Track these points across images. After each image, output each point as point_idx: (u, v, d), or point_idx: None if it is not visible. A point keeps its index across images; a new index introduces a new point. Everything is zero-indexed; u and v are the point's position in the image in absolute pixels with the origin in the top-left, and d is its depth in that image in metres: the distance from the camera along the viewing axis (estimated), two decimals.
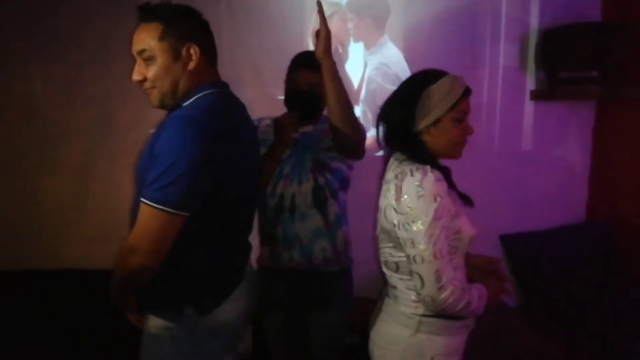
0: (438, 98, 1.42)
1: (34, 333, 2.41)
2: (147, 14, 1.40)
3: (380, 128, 1.52)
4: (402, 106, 1.45)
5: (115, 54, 2.67)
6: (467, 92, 1.45)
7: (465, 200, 1.48)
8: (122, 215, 2.65)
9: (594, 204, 3.16)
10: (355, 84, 2.89)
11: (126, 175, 2.70)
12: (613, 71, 2.85)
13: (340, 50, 2.86)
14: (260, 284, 1.73)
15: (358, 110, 2.83)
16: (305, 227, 1.94)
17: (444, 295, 1.32)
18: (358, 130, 1.84)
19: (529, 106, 3.05)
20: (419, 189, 1.33)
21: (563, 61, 2.87)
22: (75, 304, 2.44)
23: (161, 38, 1.38)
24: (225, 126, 1.40)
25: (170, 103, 1.44)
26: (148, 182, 1.29)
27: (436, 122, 1.43)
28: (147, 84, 1.43)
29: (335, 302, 2.03)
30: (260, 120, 2.01)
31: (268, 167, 1.89)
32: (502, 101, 3.02)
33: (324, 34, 1.70)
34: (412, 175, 1.36)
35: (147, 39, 1.39)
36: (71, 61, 2.68)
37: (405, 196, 1.35)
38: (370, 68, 2.86)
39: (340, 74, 1.78)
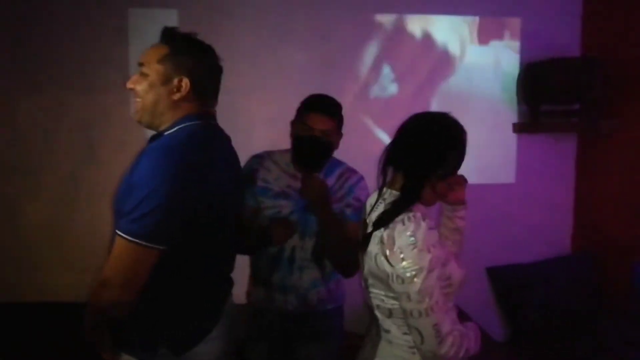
0: (459, 154, 1.41)
1: None
2: (163, 36, 1.46)
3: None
4: (443, 151, 1.38)
5: (98, 82, 2.71)
6: None
7: None
8: (102, 245, 2.60)
9: (579, 236, 3.17)
10: None
11: (107, 204, 2.68)
12: (593, 104, 2.89)
13: None
14: (245, 319, 1.69)
15: None
16: (303, 278, 1.91)
17: (444, 349, 1.29)
18: (352, 265, 1.71)
19: (512, 139, 3.08)
20: (412, 240, 1.29)
21: (544, 95, 2.91)
22: (51, 339, 2.36)
23: (160, 61, 1.43)
24: (204, 158, 1.38)
25: (148, 121, 1.46)
26: (124, 213, 1.26)
27: (444, 177, 1.40)
28: (135, 94, 1.46)
29: (326, 335, 2.02)
30: (259, 161, 1.93)
31: (256, 229, 1.83)
32: (485, 134, 3.04)
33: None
34: (403, 224, 1.32)
35: (150, 56, 1.44)
36: (54, 89, 2.69)
37: (398, 248, 1.30)
38: None
39: None
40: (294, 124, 1.86)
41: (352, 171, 1.94)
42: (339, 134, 1.87)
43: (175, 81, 1.42)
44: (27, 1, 2.67)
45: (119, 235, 1.26)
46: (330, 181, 1.88)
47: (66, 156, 2.75)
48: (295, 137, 1.83)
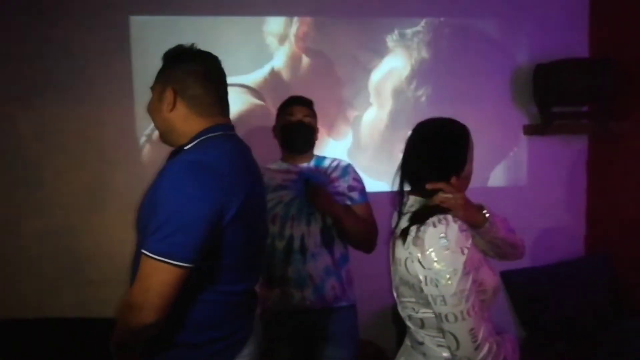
0: (472, 146, 1.43)
1: None
2: (163, 57, 1.45)
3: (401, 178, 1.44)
4: (454, 151, 1.40)
5: (101, 93, 2.66)
6: None
7: None
8: (106, 259, 2.57)
9: (593, 238, 3.14)
10: None
11: (112, 216, 2.67)
12: (603, 106, 2.89)
13: None
14: (263, 329, 1.66)
15: None
16: (317, 266, 2.00)
17: (481, 355, 1.24)
18: (373, 241, 2.05)
19: (523, 141, 3.06)
20: (445, 242, 1.25)
21: (555, 96, 2.89)
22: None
23: (156, 79, 1.42)
24: (233, 171, 1.33)
25: (167, 140, 1.45)
26: (149, 232, 1.21)
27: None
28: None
29: (344, 335, 2.07)
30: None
31: None
32: (496, 137, 3.02)
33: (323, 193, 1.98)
34: (434, 226, 1.28)
35: (155, 78, 1.44)
36: (56, 100, 2.66)
37: (431, 249, 1.26)
38: None
39: None
40: (277, 122, 2.14)
41: (339, 159, 2.18)
42: (317, 127, 2.15)
43: (165, 94, 1.38)
44: (27, 11, 2.61)
45: (146, 255, 1.20)
46: (324, 169, 2.12)
47: (71, 167, 2.69)
48: (283, 126, 2.10)
